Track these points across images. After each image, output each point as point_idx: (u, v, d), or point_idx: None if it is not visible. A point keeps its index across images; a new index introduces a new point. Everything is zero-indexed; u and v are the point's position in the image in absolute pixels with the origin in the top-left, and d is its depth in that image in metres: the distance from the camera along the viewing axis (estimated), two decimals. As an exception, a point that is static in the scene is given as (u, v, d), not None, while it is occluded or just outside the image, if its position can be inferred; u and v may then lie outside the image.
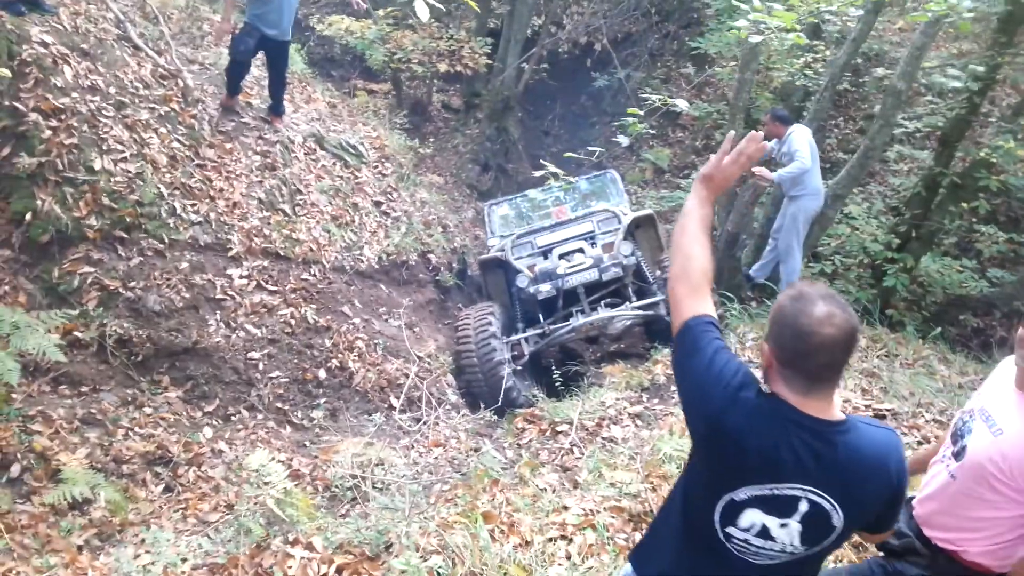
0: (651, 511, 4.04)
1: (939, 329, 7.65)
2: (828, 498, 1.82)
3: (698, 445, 1.99)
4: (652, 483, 4.27)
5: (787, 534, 1.86)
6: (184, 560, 3.97)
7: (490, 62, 13.49)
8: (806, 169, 7.23)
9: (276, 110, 7.98)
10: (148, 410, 5.30)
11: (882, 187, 11.07)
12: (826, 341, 1.74)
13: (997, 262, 8.97)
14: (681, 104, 4.72)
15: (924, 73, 9.03)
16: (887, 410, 5.40)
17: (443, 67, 12.60)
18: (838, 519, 1.84)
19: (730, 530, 1.90)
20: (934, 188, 8.72)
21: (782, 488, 1.82)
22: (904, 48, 9.35)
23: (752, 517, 1.87)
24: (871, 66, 12.29)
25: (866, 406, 5.50)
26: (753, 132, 2.10)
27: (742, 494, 1.85)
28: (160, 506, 4.74)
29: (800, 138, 7.26)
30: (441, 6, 3.38)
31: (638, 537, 3.94)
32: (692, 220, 2.04)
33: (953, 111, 8.30)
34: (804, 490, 1.82)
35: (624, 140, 4.34)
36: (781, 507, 1.84)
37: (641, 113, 5.09)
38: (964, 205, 8.99)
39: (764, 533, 1.87)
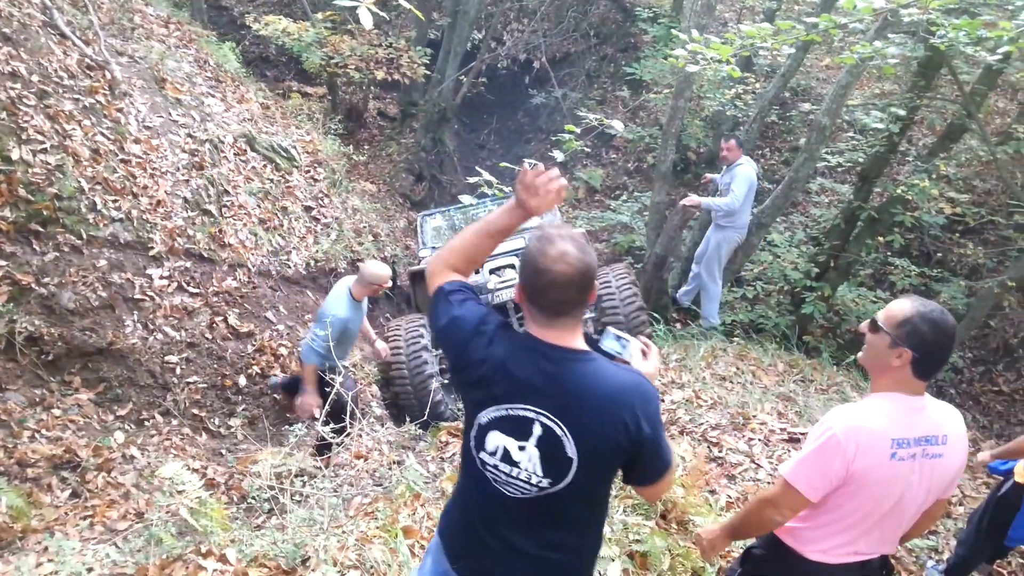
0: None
1: (853, 357, 7.91)
2: (559, 423, 1.94)
3: (455, 381, 2.22)
4: (573, 501, 4.29)
5: (528, 460, 1.99)
6: (90, 570, 3.81)
7: (428, 72, 13.49)
8: (733, 208, 7.49)
9: None
10: (57, 412, 5.08)
11: (804, 217, 11.45)
12: (558, 278, 1.90)
13: (909, 294, 9.37)
14: (617, 126, 4.80)
15: (847, 111, 9.40)
16: (801, 433, 5.57)
17: (380, 74, 12.52)
18: (571, 449, 1.94)
19: (483, 456, 2.07)
20: (853, 221, 9.07)
21: (515, 408, 1.98)
22: (830, 85, 9.72)
23: (495, 440, 2.03)
24: (798, 101, 12.74)
25: (781, 428, 5.66)
26: (537, 168, 2.29)
27: (485, 417, 2.03)
28: (66, 513, 4.54)
29: (744, 175, 7.46)
30: (383, 13, 3.36)
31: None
32: (482, 221, 2.26)
33: (873, 148, 8.66)
34: (536, 411, 1.96)
35: (559, 156, 4.39)
36: (517, 428, 1.99)
37: (577, 131, 5.17)
38: (880, 238, 9.39)
39: (507, 458, 2.01)
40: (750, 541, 2.80)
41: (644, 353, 2.31)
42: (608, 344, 2.28)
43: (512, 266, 7.94)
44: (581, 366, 1.97)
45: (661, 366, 2.34)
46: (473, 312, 2.10)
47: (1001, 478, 4.27)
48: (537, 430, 1.96)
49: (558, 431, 1.94)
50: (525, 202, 2.14)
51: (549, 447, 1.96)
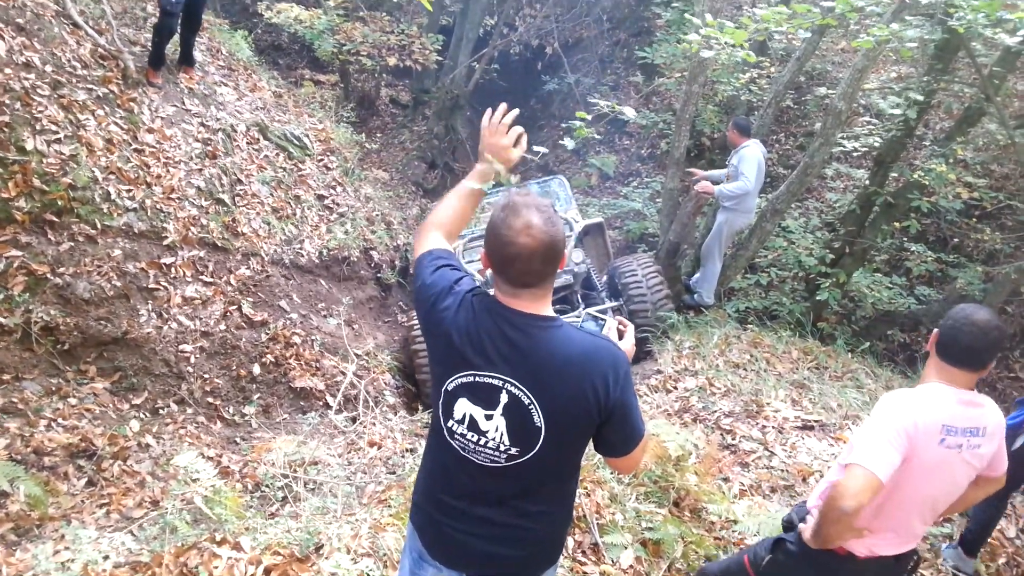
0: (584, 515, 4.07)
1: (868, 343, 7.90)
2: (525, 391, 1.92)
3: (426, 345, 2.17)
4: (586, 488, 4.30)
5: (495, 429, 1.97)
6: (106, 558, 3.83)
7: (440, 59, 13.45)
8: (747, 191, 7.43)
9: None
10: (73, 401, 5.12)
11: (819, 203, 11.36)
12: (523, 251, 1.87)
13: (925, 280, 9.30)
14: (629, 112, 4.75)
15: (864, 95, 9.30)
16: (815, 421, 5.55)
17: (392, 61, 12.50)
18: (539, 418, 1.93)
19: (451, 424, 2.05)
20: (868, 206, 8.99)
21: (483, 376, 1.96)
22: (846, 69, 9.62)
23: (462, 407, 2.01)
24: (814, 85, 12.60)
25: (795, 416, 5.64)
26: (503, 105, 2.39)
27: (452, 383, 2.01)
28: (82, 501, 4.58)
29: (751, 156, 7.40)
30: None
31: (571, 541, 3.97)
32: (456, 189, 2.32)
33: (890, 133, 8.56)
34: (503, 379, 1.94)
35: (570, 144, 4.34)
36: (484, 396, 1.97)
37: (588, 118, 5.12)
38: (896, 224, 9.30)
39: (474, 426, 2.00)
40: (779, 531, 2.79)
41: (620, 333, 2.30)
42: (587, 326, 2.28)
43: None
44: (549, 332, 1.95)
45: (634, 346, 2.30)
46: (445, 278, 2.08)
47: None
48: (504, 398, 1.94)
49: (525, 400, 1.92)
50: (481, 154, 2.30)
51: (516, 416, 1.94)
